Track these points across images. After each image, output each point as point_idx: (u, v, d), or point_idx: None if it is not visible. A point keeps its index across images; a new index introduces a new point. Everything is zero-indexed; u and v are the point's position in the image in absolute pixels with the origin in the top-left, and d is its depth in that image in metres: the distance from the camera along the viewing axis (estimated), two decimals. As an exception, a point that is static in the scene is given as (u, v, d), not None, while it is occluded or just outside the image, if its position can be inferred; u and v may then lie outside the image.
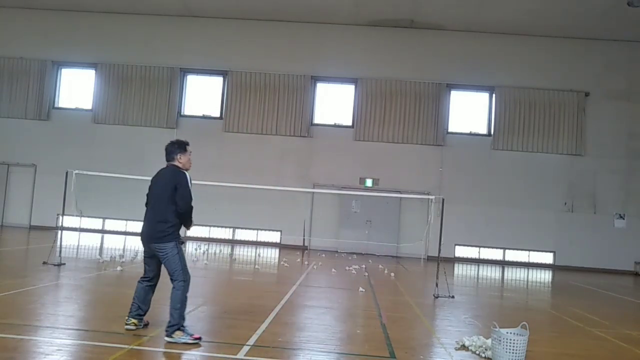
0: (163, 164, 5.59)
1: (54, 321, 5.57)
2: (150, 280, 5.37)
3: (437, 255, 9.93)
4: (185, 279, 5.12)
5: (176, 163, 5.39)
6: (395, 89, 18.32)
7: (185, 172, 5.32)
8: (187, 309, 6.58)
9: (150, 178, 5.64)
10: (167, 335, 4.99)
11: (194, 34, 18.75)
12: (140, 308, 5.34)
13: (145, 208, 5.42)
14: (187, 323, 5.85)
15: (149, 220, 5.26)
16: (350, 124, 18.62)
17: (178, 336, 4.96)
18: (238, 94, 18.58)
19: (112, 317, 5.93)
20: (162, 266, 5.26)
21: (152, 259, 5.29)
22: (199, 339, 5.03)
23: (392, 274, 12.44)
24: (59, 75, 19.42)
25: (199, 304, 7.05)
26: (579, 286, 13.35)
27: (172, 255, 5.11)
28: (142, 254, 5.47)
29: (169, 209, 5.15)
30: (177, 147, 5.42)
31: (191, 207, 5.22)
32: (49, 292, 7.32)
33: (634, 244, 17.53)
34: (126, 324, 5.30)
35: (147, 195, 5.46)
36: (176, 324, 5.00)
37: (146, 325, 5.43)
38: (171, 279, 5.13)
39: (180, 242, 5.23)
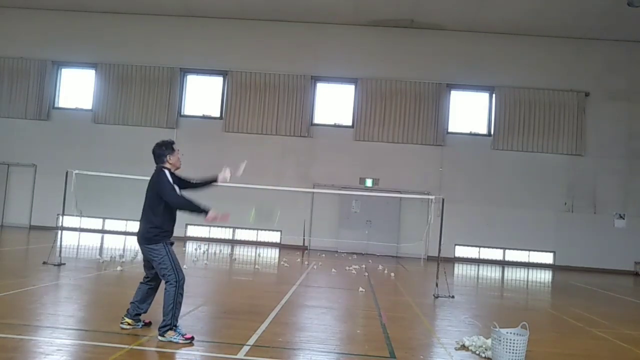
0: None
1: (54, 321, 5.57)
2: (150, 281, 5.42)
3: (437, 255, 9.93)
4: (177, 279, 5.10)
5: (166, 165, 5.38)
6: (395, 89, 18.32)
7: (165, 169, 5.31)
8: (187, 309, 6.61)
9: (149, 178, 5.63)
10: (160, 335, 5.03)
11: (194, 34, 18.75)
12: (139, 308, 5.38)
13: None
14: (187, 323, 5.87)
15: (140, 222, 5.31)
16: (350, 124, 18.62)
17: (170, 336, 5.00)
18: (238, 94, 18.58)
19: (112, 317, 5.93)
20: None
21: (149, 261, 5.32)
22: (191, 338, 5.03)
23: (392, 274, 12.43)
24: (59, 75, 19.42)
25: (198, 304, 7.05)
26: (579, 286, 13.35)
27: (161, 257, 5.13)
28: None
29: (152, 211, 5.22)
30: (165, 148, 5.38)
31: (180, 202, 5.24)
32: (49, 292, 7.31)
33: (634, 244, 17.53)
34: (121, 323, 5.35)
35: None
36: (168, 324, 5.02)
37: (147, 324, 5.46)
38: (163, 281, 5.18)
39: (170, 243, 5.28)
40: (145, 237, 5.19)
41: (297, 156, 18.39)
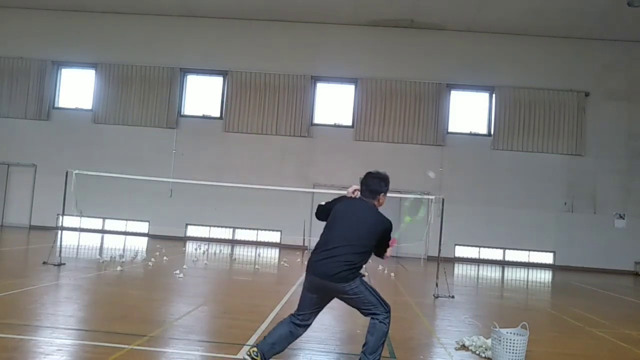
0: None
1: (54, 321, 5.57)
2: (304, 323, 4.36)
3: (437, 255, 9.93)
4: (387, 309, 4.29)
5: (375, 202, 4.40)
6: (395, 89, 18.32)
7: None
8: (187, 309, 6.64)
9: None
10: None
11: (194, 34, 18.75)
12: (274, 348, 4.22)
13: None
14: (187, 323, 5.88)
15: (332, 257, 4.19)
16: (350, 124, 18.62)
17: None
18: (238, 94, 18.58)
19: (112, 317, 5.93)
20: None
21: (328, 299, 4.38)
22: None
23: (392, 274, 12.43)
24: (59, 75, 19.42)
25: (198, 304, 7.05)
26: (579, 286, 13.35)
27: (361, 293, 4.24)
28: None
29: (358, 251, 4.23)
30: (385, 185, 4.43)
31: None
32: (49, 292, 7.31)
33: (634, 244, 17.53)
34: (247, 355, 4.14)
35: (333, 220, 4.35)
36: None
37: None
38: (371, 317, 4.28)
39: (362, 275, 4.38)
40: (340, 277, 4.13)
41: (297, 156, 18.39)
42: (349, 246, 4.18)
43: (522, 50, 18.25)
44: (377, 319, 4.20)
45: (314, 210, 4.62)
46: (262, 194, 17.22)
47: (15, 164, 18.92)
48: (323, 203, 4.55)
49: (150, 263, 10.97)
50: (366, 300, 4.20)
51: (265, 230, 18.39)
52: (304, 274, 4.46)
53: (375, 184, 4.40)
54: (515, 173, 17.96)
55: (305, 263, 4.43)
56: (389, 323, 4.21)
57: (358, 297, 4.20)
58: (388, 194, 4.61)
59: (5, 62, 19.11)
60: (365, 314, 4.26)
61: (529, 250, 18.03)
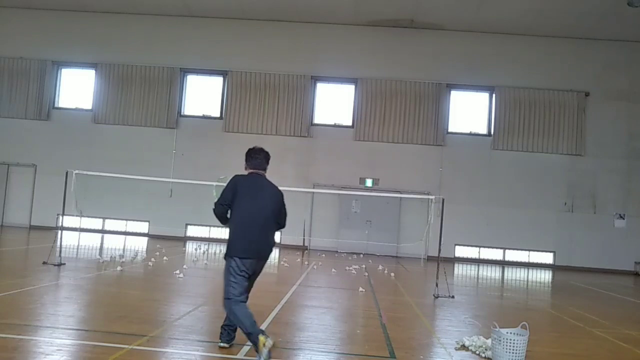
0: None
1: (54, 321, 5.57)
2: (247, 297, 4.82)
3: (437, 255, 9.93)
4: None
5: (264, 173, 5.23)
6: (395, 89, 18.32)
7: None
8: (188, 309, 6.64)
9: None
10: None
11: (194, 34, 18.75)
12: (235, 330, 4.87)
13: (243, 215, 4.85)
14: (187, 323, 5.88)
15: (262, 236, 4.88)
16: (350, 124, 18.62)
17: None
18: (238, 94, 18.58)
19: (112, 317, 5.93)
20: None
21: (253, 275, 4.92)
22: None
23: (392, 274, 12.43)
24: (59, 75, 19.42)
25: (198, 304, 7.06)
26: (579, 286, 13.34)
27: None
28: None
29: (274, 227, 5.05)
30: (268, 155, 5.32)
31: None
32: (49, 292, 7.31)
33: (634, 244, 17.54)
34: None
35: (243, 201, 4.93)
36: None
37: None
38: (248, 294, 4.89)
39: None
40: (270, 253, 5.00)
41: (297, 156, 18.38)
42: (270, 223, 4.92)
43: (522, 50, 18.26)
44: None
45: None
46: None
47: (15, 164, 18.93)
48: (217, 205, 5.03)
49: (150, 263, 10.96)
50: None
51: (265, 230, 18.34)
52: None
53: (264, 156, 5.27)
54: (515, 173, 17.96)
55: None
56: None
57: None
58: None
59: (5, 62, 19.11)
60: (248, 292, 4.78)
61: (529, 250, 18.04)
